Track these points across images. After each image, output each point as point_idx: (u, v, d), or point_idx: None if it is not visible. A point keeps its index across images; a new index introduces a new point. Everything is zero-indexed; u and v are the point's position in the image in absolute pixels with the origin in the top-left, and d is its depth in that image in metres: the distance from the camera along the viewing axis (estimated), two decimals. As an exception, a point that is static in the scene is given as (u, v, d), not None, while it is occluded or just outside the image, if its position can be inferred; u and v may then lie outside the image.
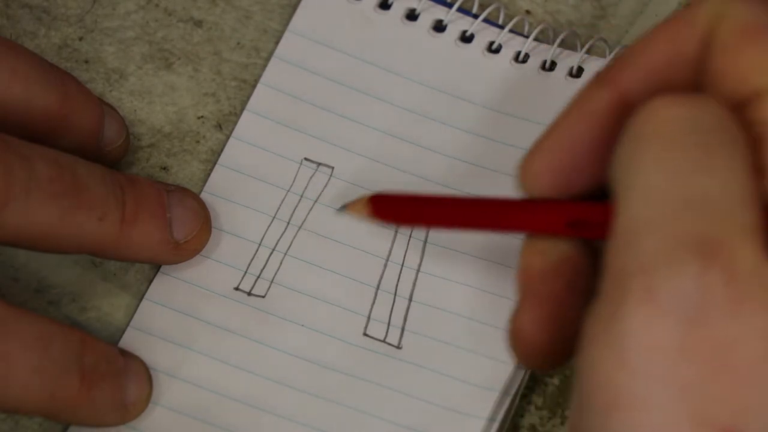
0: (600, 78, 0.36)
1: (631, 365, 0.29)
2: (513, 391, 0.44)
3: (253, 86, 0.49)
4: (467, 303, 0.45)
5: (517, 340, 0.36)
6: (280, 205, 0.47)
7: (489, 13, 0.49)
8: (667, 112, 0.32)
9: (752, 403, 0.29)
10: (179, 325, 0.45)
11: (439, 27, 0.50)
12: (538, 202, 0.36)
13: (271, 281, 0.46)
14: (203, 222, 0.45)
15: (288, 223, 0.47)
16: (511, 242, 0.46)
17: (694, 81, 0.34)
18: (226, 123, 0.48)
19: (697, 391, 0.29)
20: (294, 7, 0.50)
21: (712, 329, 0.29)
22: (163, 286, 0.45)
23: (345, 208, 0.43)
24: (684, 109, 0.32)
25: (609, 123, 0.34)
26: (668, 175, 0.31)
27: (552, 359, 0.36)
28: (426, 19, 0.50)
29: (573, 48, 0.49)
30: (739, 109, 0.33)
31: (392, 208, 0.41)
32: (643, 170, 0.31)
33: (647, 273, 0.30)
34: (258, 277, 0.46)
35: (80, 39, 0.49)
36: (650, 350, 0.29)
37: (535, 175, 0.36)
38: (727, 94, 0.33)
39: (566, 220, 0.35)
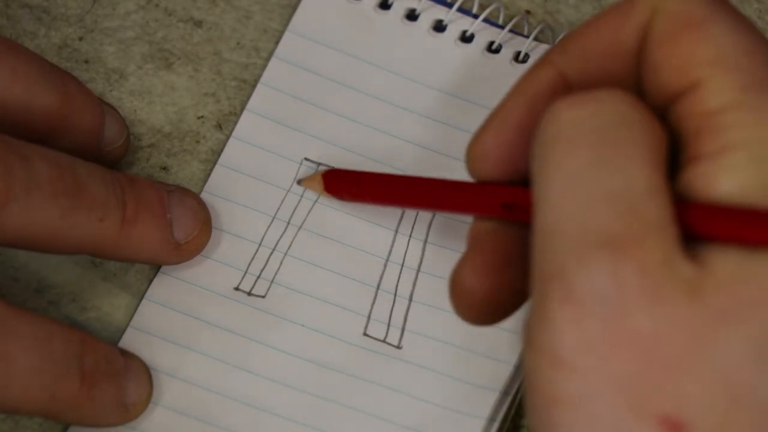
0: (542, 59, 0.36)
1: (564, 364, 0.30)
2: (513, 391, 0.44)
3: (253, 86, 0.49)
4: (467, 303, 0.45)
5: (455, 288, 0.37)
6: (280, 205, 0.47)
7: (489, 13, 0.49)
8: (567, 114, 0.32)
9: (692, 392, 0.30)
10: (179, 325, 0.45)
11: (439, 27, 0.50)
12: (476, 185, 0.36)
13: (271, 281, 0.46)
14: (203, 222, 0.45)
15: (288, 223, 0.47)
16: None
17: (633, 72, 0.34)
18: (226, 123, 0.48)
19: (631, 382, 0.30)
20: (294, 7, 0.50)
21: (632, 322, 0.30)
22: (163, 286, 0.45)
23: (301, 181, 0.44)
24: (584, 109, 0.32)
25: (550, 104, 0.34)
26: (572, 176, 0.31)
27: (489, 313, 0.36)
28: (426, 19, 0.50)
29: (573, 48, 0.49)
30: (676, 100, 0.33)
31: (342, 184, 0.42)
32: (549, 174, 0.32)
33: (563, 274, 0.30)
34: (258, 277, 0.46)
35: (80, 39, 0.49)
36: (579, 348, 0.30)
37: (479, 157, 0.36)
38: (664, 86, 0.33)
39: (501, 203, 0.35)
